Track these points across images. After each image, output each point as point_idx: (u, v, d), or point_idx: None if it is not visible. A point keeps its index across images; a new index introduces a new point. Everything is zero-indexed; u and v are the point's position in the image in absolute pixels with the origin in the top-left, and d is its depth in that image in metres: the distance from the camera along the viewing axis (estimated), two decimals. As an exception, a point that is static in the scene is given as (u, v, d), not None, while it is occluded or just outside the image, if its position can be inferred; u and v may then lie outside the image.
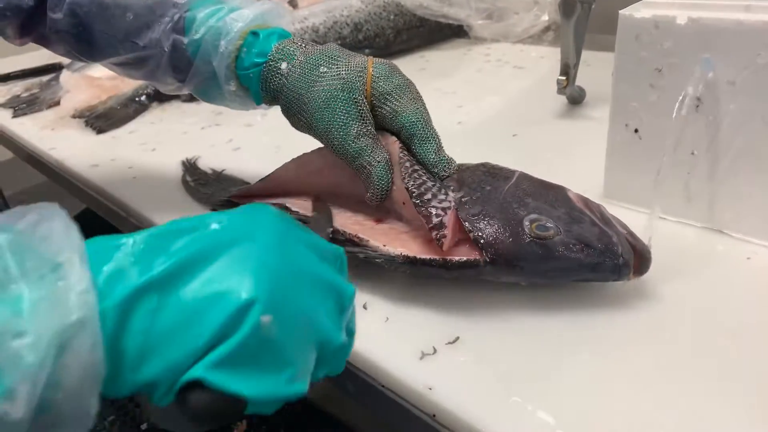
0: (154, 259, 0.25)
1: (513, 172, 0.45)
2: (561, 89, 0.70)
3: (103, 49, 0.52)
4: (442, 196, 0.43)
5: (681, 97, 0.43)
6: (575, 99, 0.73)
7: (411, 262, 0.41)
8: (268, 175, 0.52)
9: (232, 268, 0.26)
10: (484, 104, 0.80)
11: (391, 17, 1.00)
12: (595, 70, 0.73)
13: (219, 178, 0.63)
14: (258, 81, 0.48)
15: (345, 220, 0.46)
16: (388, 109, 0.45)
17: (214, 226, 0.28)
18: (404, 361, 0.38)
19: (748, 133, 0.42)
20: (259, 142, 0.74)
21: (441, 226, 0.40)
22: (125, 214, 0.64)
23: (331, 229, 0.44)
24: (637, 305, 0.41)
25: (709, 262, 0.44)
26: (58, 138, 0.86)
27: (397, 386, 0.38)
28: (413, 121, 0.44)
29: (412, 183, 0.43)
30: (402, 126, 0.45)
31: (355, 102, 0.44)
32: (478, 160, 0.48)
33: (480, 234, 0.39)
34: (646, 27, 0.44)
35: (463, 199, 0.42)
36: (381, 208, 0.47)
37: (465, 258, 0.40)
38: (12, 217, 0.25)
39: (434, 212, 0.41)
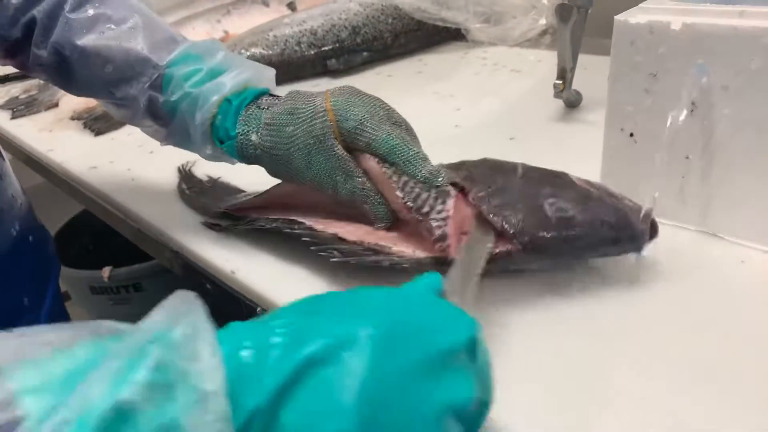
0: (262, 378, 0.24)
1: (516, 163, 0.46)
2: (558, 93, 0.70)
3: (83, 89, 0.53)
4: (440, 206, 0.43)
5: (676, 102, 0.43)
6: (572, 103, 0.74)
7: (440, 262, 0.41)
8: (267, 190, 0.52)
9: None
10: (481, 107, 0.80)
11: (389, 20, 1.00)
12: (592, 73, 0.73)
13: (215, 185, 0.63)
14: (234, 151, 0.49)
15: (356, 230, 0.46)
16: (362, 143, 0.45)
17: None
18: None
19: (742, 137, 0.42)
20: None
21: (443, 238, 0.41)
22: (123, 216, 0.65)
23: (491, 245, 0.41)
24: (630, 307, 0.41)
25: (703, 265, 0.44)
26: (56, 140, 0.86)
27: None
28: (390, 148, 0.44)
29: (407, 197, 0.43)
30: (381, 154, 0.44)
31: (332, 150, 0.45)
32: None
33: (508, 224, 0.41)
34: (641, 32, 0.44)
35: (480, 194, 0.43)
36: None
37: (498, 250, 0.41)
38: (165, 318, 0.25)
39: (434, 224, 0.42)
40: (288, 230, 0.48)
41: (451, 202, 0.43)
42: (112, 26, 0.50)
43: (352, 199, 0.46)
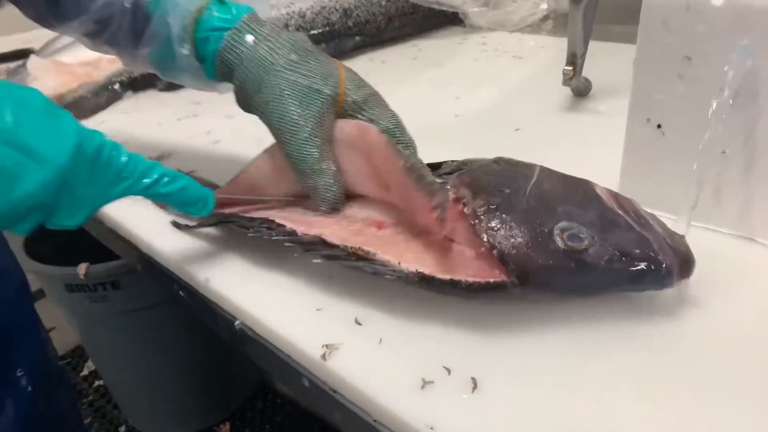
0: None
1: (532, 167, 0.40)
2: (567, 80, 0.65)
3: (67, 9, 0.50)
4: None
5: (714, 89, 0.38)
6: (581, 91, 0.68)
7: (427, 281, 0.35)
8: (237, 174, 0.47)
9: None
10: (482, 96, 0.74)
11: (383, 3, 0.94)
12: (601, 60, 0.68)
13: None
14: (216, 45, 0.44)
15: (341, 231, 0.40)
16: (364, 118, 0.43)
17: None
18: (401, 393, 0.33)
19: (788, 130, 0.37)
20: (240, 134, 0.68)
21: (443, 207, 0.36)
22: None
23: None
24: (654, 323, 0.36)
25: (738, 274, 0.39)
26: (22, 128, 0.80)
27: (392, 422, 0.32)
28: (391, 129, 0.43)
29: (409, 164, 0.38)
30: (384, 126, 0.43)
31: (319, 102, 0.41)
32: (479, 156, 0.43)
33: (505, 252, 0.34)
34: (675, 9, 0.39)
35: (478, 210, 0.36)
36: (379, 209, 0.42)
37: (491, 280, 0.34)
38: None
39: (435, 188, 0.36)
40: (267, 237, 0.42)
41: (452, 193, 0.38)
42: None
43: (302, 162, 0.41)
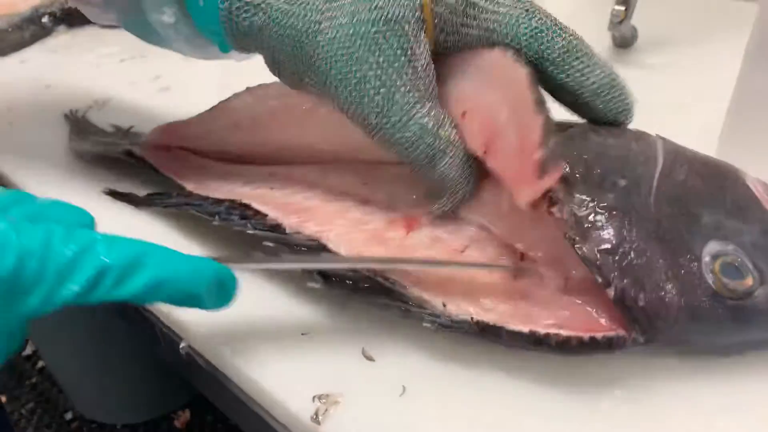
0: None
1: (650, 141, 0.25)
2: (615, 24, 0.52)
3: None
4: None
5: None
6: (626, 40, 0.56)
7: (492, 331, 0.22)
8: (211, 109, 0.35)
9: None
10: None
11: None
12: (643, 7, 0.56)
13: (126, 136, 0.42)
14: (216, 11, 0.27)
15: (352, 229, 0.27)
16: (477, 30, 0.25)
17: None
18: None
19: None
20: (197, 79, 0.54)
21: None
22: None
23: None
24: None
25: None
26: None
27: None
28: (538, 30, 0.25)
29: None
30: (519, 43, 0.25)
31: (404, 42, 0.24)
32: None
33: (628, 293, 0.21)
34: None
35: (580, 213, 0.22)
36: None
37: (600, 335, 0.21)
38: None
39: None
40: (239, 228, 0.29)
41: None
42: None
43: (417, 143, 0.25)
